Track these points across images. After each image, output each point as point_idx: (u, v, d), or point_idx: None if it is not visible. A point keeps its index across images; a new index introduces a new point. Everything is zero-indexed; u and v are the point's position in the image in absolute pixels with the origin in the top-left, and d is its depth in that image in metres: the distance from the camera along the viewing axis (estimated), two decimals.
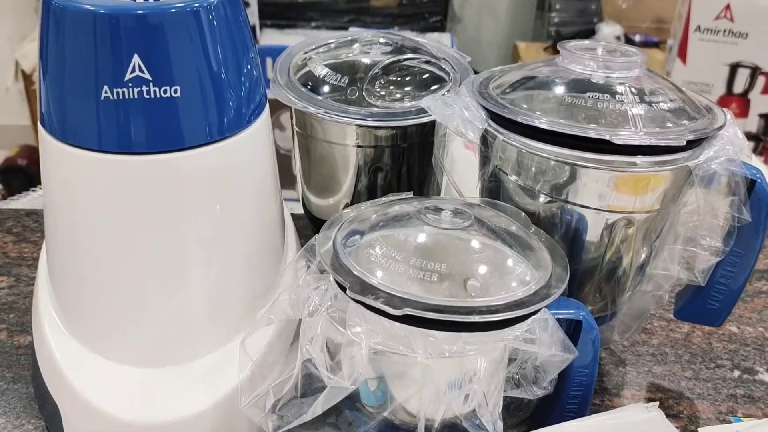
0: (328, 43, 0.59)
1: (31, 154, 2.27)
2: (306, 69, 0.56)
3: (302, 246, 0.43)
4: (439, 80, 0.56)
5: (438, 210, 0.43)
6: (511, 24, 2.55)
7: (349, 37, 0.59)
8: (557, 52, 0.49)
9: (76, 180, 0.43)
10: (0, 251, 0.71)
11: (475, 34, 2.55)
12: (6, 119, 2.48)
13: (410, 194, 0.47)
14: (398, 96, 0.53)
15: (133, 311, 0.45)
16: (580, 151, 0.42)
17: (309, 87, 0.54)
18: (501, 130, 0.44)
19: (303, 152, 0.58)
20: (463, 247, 0.42)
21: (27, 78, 2.27)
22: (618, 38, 2.06)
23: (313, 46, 0.59)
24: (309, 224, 0.64)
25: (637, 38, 2.18)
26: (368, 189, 0.56)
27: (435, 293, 0.38)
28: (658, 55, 2.17)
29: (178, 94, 0.41)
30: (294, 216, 0.59)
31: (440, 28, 2.37)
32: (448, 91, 0.53)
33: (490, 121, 0.45)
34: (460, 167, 0.52)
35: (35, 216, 0.77)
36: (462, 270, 0.40)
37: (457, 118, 0.45)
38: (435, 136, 0.51)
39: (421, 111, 0.51)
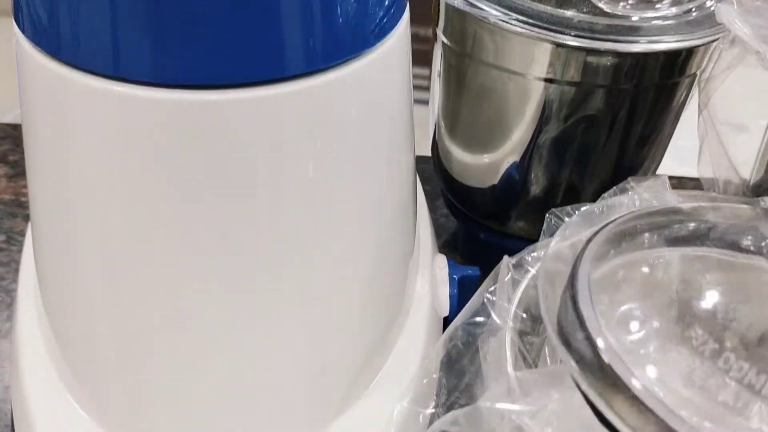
0: None
1: None
2: None
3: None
4: None
5: None
6: None
7: None
8: None
9: (71, 122, 0.24)
10: None
11: None
12: None
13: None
14: None
15: (184, 363, 0.26)
16: None
17: None
18: None
19: (451, 77, 0.36)
20: None
21: None
22: None
23: None
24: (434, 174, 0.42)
25: None
26: (552, 149, 0.34)
27: None
28: None
29: None
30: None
31: None
32: None
33: None
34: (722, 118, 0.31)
35: None
36: None
37: None
38: (698, 71, 0.30)
39: (683, 27, 0.28)
